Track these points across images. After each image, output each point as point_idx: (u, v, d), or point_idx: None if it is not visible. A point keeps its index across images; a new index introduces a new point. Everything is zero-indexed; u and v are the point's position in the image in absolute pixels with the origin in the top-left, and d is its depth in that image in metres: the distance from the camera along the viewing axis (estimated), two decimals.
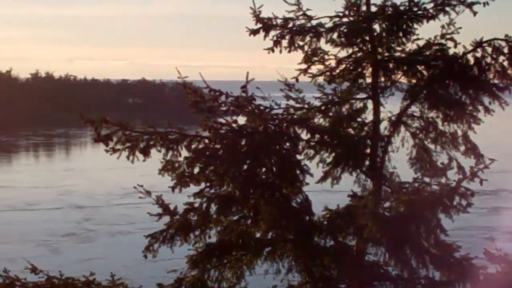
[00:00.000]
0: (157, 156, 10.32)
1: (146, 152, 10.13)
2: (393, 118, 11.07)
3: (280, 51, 10.84)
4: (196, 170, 10.09)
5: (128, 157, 10.12)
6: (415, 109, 11.13)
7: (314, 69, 11.08)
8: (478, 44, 10.83)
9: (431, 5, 10.82)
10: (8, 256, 45.25)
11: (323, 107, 11.03)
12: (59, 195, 67.98)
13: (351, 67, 10.98)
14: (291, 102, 10.95)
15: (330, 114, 11.06)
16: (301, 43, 10.90)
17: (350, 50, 10.94)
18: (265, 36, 10.78)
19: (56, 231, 53.21)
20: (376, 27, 10.89)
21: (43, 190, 71.04)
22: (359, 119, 11.13)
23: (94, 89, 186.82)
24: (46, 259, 42.25)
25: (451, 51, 10.95)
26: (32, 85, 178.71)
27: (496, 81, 10.93)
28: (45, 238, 51.02)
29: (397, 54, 10.96)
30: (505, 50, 10.74)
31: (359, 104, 11.19)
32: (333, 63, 11.03)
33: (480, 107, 10.93)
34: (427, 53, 10.94)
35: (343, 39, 10.80)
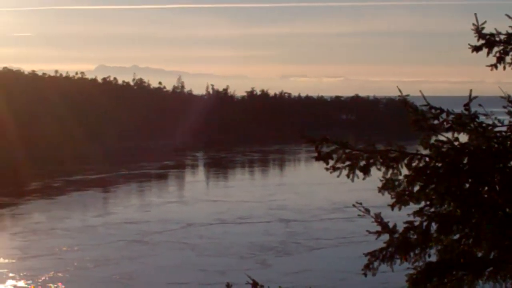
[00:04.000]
0: None
1: (366, 170, 10.20)
2: None
3: (504, 68, 10.59)
4: (416, 188, 10.06)
5: (348, 175, 10.24)
6: None
7: None
8: None
9: None
10: (218, 268, 47.07)
11: None
12: (269, 210, 69.71)
13: None
14: None
15: None
16: None
17: None
18: (488, 53, 10.57)
19: (263, 244, 54.62)
20: None
21: (254, 205, 73.17)
22: None
23: (308, 105, 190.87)
24: (254, 272, 43.49)
25: None
26: (248, 103, 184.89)
27: None
28: (251, 251, 52.44)
29: None
30: None
31: None
32: None
33: None
34: None
35: None
